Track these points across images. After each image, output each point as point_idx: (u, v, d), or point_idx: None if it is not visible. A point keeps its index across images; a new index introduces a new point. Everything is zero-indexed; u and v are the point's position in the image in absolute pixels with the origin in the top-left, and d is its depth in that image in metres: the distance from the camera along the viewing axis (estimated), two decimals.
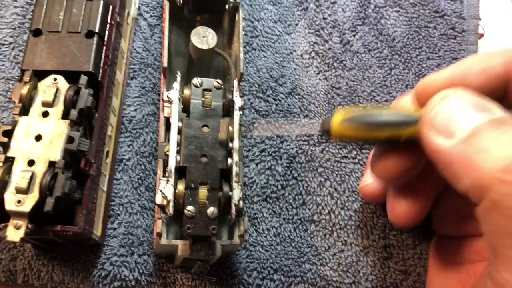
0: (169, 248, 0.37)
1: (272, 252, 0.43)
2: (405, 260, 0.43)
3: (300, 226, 0.44)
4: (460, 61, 0.30)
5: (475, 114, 0.26)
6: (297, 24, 0.51)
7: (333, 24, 0.51)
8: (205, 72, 0.44)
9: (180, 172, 0.36)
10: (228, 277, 0.42)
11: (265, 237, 0.44)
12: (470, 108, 0.26)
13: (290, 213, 0.44)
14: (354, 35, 0.51)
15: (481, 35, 0.55)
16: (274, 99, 0.47)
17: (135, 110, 0.46)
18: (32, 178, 0.34)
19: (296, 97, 0.48)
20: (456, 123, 0.26)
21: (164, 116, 0.39)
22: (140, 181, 0.44)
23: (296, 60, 0.49)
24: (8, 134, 0.35)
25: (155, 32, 0.49)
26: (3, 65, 0.46)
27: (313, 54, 0.50)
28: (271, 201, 0.45)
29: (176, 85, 0.38)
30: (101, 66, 0.39)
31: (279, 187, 0.45)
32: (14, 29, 0.47)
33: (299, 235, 0.44)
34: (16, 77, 0.46)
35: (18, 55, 0.47)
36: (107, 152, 0.41)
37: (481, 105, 0.26)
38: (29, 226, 0.34)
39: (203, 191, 0.35)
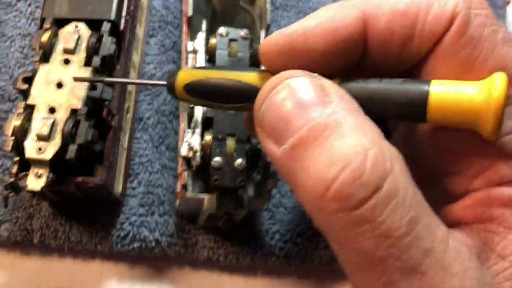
0: (194, 203, 0.36)
1: (296, 214, 0.42)
2: None
3: None
4: (310, 15, 0.23)
5: (301, 118, 0.20)
6: None
7: None
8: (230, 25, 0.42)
9: (206, 124, 0.35)
10: (250, 238, 0.41)
11: (288, 198, 0.42)
12: (298, 109, 0.21)
13: None
14: None
15: (508, 2, 0.53)
16: None
17: (155, 68, 0.44)
18: (53, 125, 0.32)
19: None
20: (282, 129, 0.21)
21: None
22: (160, 140, 0.42)
23: None
24: (28, 81, 0.34)
25: None
26: (19, 21, 0.44)
27: None
28: None
29: (202, 34, 0.37)
30: (123, 16, 0.38)
31: None
32: None
33: None
34: (32, 34, 0.44)
35: (34, 11, 0.45)
36: (128, 107, 0.40)
37: (312, 102, 0.20)
38: (50, 175, 0.32)
39: (230, 143, 0.34)
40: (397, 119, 0.26)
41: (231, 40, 0.37)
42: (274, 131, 0.21)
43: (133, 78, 0.41)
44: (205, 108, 0.35)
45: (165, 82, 0.26)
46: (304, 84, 0.21)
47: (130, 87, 0.40)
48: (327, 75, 0.22)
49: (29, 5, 0.45)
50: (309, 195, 0.20)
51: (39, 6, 0.45)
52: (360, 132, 0.20)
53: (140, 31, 0.43)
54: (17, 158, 0.34)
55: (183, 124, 0.37)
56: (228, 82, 0.24)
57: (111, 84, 0.34)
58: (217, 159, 0.33)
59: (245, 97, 0.24)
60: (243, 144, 0.34)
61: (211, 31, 0.39)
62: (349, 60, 0.23)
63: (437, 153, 0.24)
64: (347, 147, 0.19)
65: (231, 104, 0.25)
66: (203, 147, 0.34)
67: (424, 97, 0.21)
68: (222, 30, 0.37)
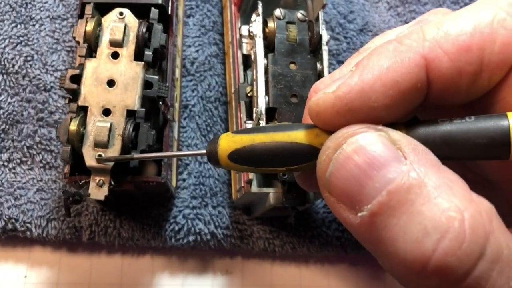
0: (257, 197, 0.34)
1: None
2: None
3: None
4: (362, 65, 0.20)
5: (377, 180, 0.18)
6: None
7: None
8: (274, 5, 0.40)
9: (268, 115, 0.33)
10: (306, 228, 0.40)
11: None
12: (370, 169, 0.18)
13: None
14: None
15: None
16: (345, 37, 0.43)
17: (197, 51, 0.41)
18: (111, 130, 0.30)
19: (369, 34, 0.44)
20: (356, 194, 0.19)
21: (243, 54, 0.35)
22: (208, 128, 0.40)
23: None
24: (77, 80, 0.31)
25: None
26: (46, 2, 0.41)
27: None
28: None
29: (259, 18, 0.34)
30: None
31: None
32: None
33: None
34: (62, 16, 0.41)
35: None
36: (176, 96, 0.37)
37: (385, 160, 0.18)
38: (112, 182, 0.30)
39: None
40: (475, 159, 0.24)
41: (288, 23, 0.34)
42: (347, 196, 0.19)
43: (178, 63, 0.38)
44: (267, 98, 0.33)
45: (204, 151, 0.23)
46: (371, 140, 0.19)
47: (177, 74, 0.38)
48: (389, 124, 0.20)
49: None
50: (403, 269, 0.18)
51: None
52: (447, 190, 0.17)
53: (180, 11, 0.40)
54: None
55: (241, 115, 0.35)
56: (279, 145, 0.22)
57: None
58: None
59: (300, 158, 0.22)
60: None
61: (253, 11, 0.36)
62: (411, 106, 0.21)
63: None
64: (440, 211, 0.17)
65: (285, 167, 0.22)
66: None
67: (505, 133, 0.19)
68: (278, 12, 0.34)
